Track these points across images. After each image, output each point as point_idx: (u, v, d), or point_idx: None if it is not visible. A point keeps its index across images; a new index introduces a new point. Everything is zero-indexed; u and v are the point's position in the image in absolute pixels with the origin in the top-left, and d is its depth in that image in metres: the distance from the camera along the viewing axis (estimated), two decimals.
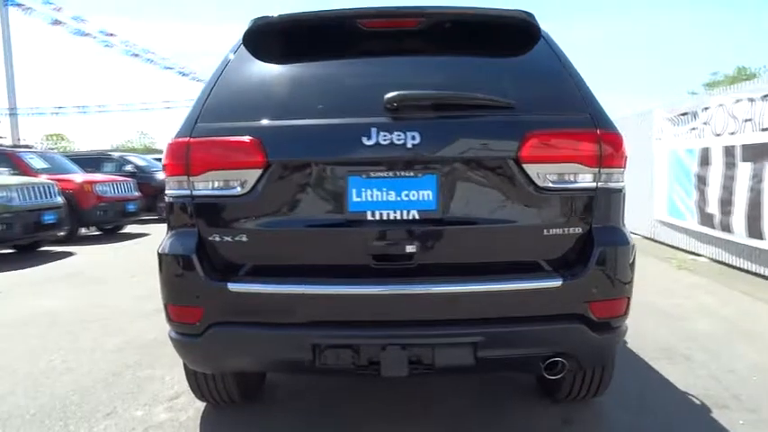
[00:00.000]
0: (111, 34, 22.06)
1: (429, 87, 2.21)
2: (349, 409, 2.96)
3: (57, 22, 18.57)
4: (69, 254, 8.87)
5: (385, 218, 2.07)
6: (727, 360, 3.57)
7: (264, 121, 2.16)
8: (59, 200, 9.09)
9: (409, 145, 2.04)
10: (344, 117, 2.13)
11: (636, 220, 9.22)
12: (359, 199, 2.08)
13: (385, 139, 2.04)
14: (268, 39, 2.42)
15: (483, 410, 2.90)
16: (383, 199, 2.07)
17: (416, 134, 2.05)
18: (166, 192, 2.23)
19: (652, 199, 8.39)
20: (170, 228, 2.25)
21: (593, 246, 2.11)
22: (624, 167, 2.24)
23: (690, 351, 3.75)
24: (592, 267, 2.09)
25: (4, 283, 6.60)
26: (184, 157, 2.15)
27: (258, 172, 2.10)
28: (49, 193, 8.93)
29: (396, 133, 2.05)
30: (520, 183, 2.09)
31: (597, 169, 2.12)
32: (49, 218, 8.71)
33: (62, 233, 9.42)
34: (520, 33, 2.40)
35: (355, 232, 2.10)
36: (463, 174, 2.11)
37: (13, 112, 17.74)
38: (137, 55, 23.30)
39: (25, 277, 7.00)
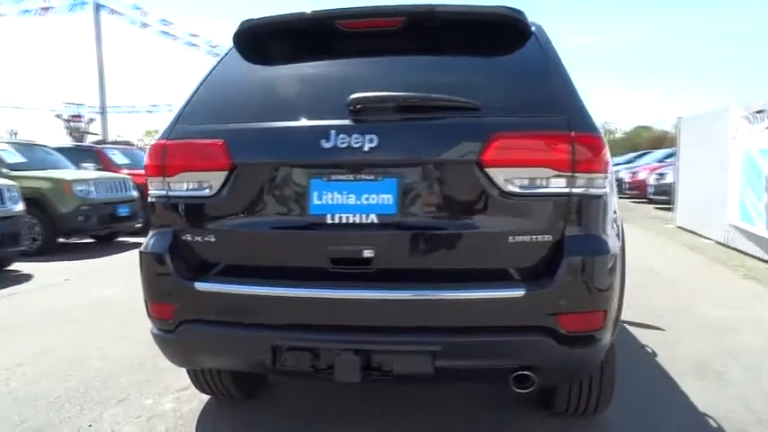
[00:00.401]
0: (195, 35, 23.17)
1: (400, 89, 2.16)
2: (350, 409, 2.98)
3: (144, 26, 19.78)
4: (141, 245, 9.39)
5: (345, 221, 2.05)
6: (766, 380, 3.28)
7: (232, 124, 2.20)
8: (134, 194, 9.63)
9: (366, 148, 2.01)
10: (308, 119, 2.13)
11: (709, 224, 8.65)
12: (320, 202, 2.08)
13: (343, 142, 2.02)
14: (253, 41, 2.47)
15: (479, 418, 2.82)
16: (343, 202, 2.06)
17: (374, 137, 2.02)
18: (149, 192, 2.32)
19: (726, 202, 7.82)
20: (151, 227, 2.34)
21: (562, 255, 2.00)
22: (606, 173, 2.11)
23: (726, 367, 3.47)
24: (559, 278, 1.98)
25: (74, 271, 7.11)
26: (161, 159, 2.23)
27: (224, 174, 2.15)
28: (125, 187, 9.51)
29: (354, 136, 2.02)
30: (483, 187, 2.01)
31: (570, 174, 2.00)
32: (123, 210, 9.29)
33: (138, 225, 10.01)
34: (503, 31, 2.31)
35: (316, 235, 2.09)
36: (425, 178, 2.05)
37: (103, 111, 19.11)
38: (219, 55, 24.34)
39: (94, 266, 7.51)
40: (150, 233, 2.33)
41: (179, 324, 2.22)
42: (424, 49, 2.37)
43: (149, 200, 2.33)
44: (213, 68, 2.48)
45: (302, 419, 2.89)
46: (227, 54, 2.53)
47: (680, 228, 10.17)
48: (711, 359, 3.60)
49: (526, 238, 2.01)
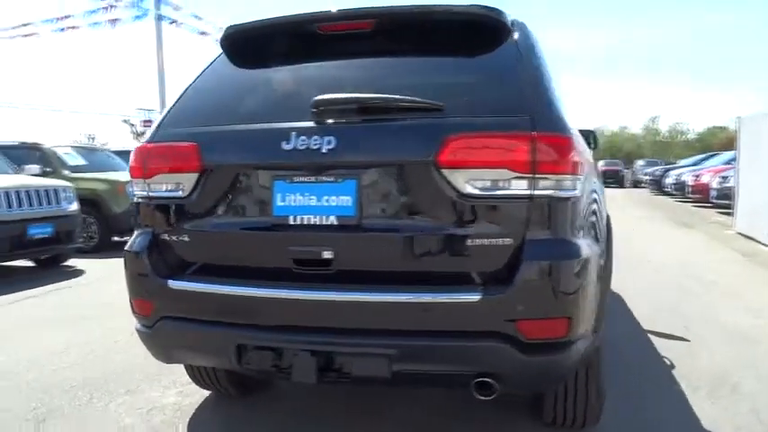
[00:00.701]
0: None
1: (368, 90, 2.16)
2: (353, 408, 3.00)
3: (203, 33, 20.53)
4: None
5: (306, 223, 2.08)
6: None
7: (205, 128, 2.28)
8: None
9: (324, 150, 2.03)
10: (273, 122, 2.17)
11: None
12: (283, 203, 2.11)
13: (302, 144, 2.05)
14: (236, 46, 2.54)
15: (468, 423, 2.79)
16: (305, 204, 2.09)
17: (332, 139, 2.04)
18: (135, 193, 2.43)
19: None
20: (135, 227, 2.45)
21: (522, 259, 1.95)
22: (576, 174, 2.04)
23: (743, 380, 3.28)
24: (517, 283, 1.93)
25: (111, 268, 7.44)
26: (142, 161, 2.33)
27: (196, 176, 2.22)
28: None
29: (313, 138, 2.05)
30: (441, 189, 1.98)
31: (531, 176, 1.95)
32: None
33: None
34: (477, 30, 2.28)
35: (280, 236, 2.13)
36: (384, 180, 2.05)
37: None
38: None
39: None
40: (135, 233, 2.44)
41: (157, 320, 2.31)
42: (398, 50, 2.37)
43: (134, 201, 2.43)
44: (201, 73, 2.57)
45: (298, 418, 2.94)
46: (215, 59, 2.61)
47: (739, 234, 9.63)
48: (730, 372, 3.41)
49: (485, 242, 1.97)
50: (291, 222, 2.10)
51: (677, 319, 4.53)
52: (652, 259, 7.40)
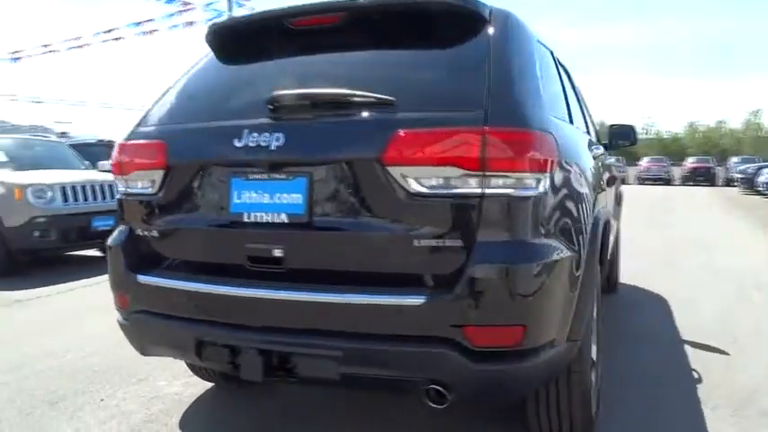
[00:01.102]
0: None
1: (328, 85, 2.12)
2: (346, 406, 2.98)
3: None
4: None
5: (259, 220, 2.07)
6: None
7: (173, 125, 2.31)
8: None
9: (273, 147, 2.01)
10: (232, 119, 2.17)
11: None
12: (239, 201, 2.11)
13: (253, 141, 2.04)
14: (217, 43, 2.56)
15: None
16: (259, 201, 2.07)
17: (282, 135, 2.01)
18: (117, 189, 2.50)
19: None
20: (117, 222, 2.52)
21: (470, 262, 1.84)
22: (538, 172, 1.91)
23: None
24: (464, 286, 1.83)
25: None
26: (120, 158, 2.40)
27: (162, 173, 2.26)
28: None
29: (264, 135, 2.03)
30: (388, 187, 1.91)
31: (481, 174, 1.84)
32: None
33: None
34: (450, 21, 2.18)
35: (236, 234, 2.13)
36: (333, 177, 2.00)
37: None
38: None
39: None
40: (117, 228, 2.52)
41: (132, 313, 2.37)
42: (368, 43, 2.30)
43: (117, 196, 2.51)
44: (186, 72, 2.61)
45: (293, 412, 2.95)
46: (202, 57, 2.65)
47: None
48: (765, 391, 3.09)
49: (434, 243, 1.88)
50: (246, 220, 2.09)
51: (727, 331, 4.17)
52: (718, 266, 6.88)
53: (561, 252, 2.00)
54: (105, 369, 3.59)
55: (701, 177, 32.15)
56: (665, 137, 69.68)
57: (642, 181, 33.47)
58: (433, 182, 1.87)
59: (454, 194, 1.86)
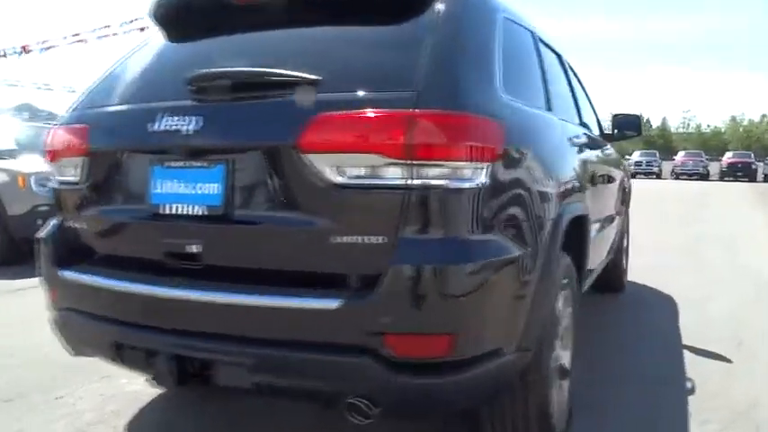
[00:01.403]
0: None
1: (253, 64, 1.94)
2: None
3: None
4: None
5: (178, 212, 1.91)
6: None
7: (98, 108, 2.16)
8: None
9: (189, 131, 1.84)
10: (151, 101, 2.01)
11: None
12: (159, 191, 1.95)
13: (169, 125, 1.87)
14: (160, 20, 2.40)
15: None
16: (177, 191, 1.91)
17: (198, 119, 1.84)
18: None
19: None
20: (53, 214, 2.39)
21: (391, 261, 1.64)
22: (476, 160, 1.70)
23: None
24: (382, 289, 1.63)
25: None
26: (51, 145, 2.27)
27: (85, 160, 2.11)
28: None
29: (179, 118, 1.86)
30: (307, 177, 1.72)
31: (407, 162, 1.63)
32: None
33: None
34: None
35: (155, 227, 1.97)
36: (252, 166, 1.82)
37: None
38: None
39: None
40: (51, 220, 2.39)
41: (59, 310, 2.24)
42: (303, 19, 2.10)
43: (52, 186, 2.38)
44: (131, 50, 2.46)
45: (247, 421, 2.80)
46: (146, 39, 2.50)
47: None
48: (763, 405, 2.81)
49: (355, 240, 1.68)
50: (166, 212, 1.93)
51: (735, 334, 3.87)
52: (740, 264, 6.51)
53: (505, 252, 1.79)
54: (74, 364, 3.47)
55: (741, 173, 31.01)
56: (705, 131, 67.70)
57: (677, 176, 32.49)
58: (356, 172, 1.68)
59: (378, 186, 1.67)
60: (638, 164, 34.31)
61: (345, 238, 1.69)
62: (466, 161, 1.68)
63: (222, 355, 1.82)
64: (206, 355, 1.84)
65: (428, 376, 1.69)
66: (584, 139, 3.15)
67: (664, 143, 67.14)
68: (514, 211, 1.88)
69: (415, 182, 1.64)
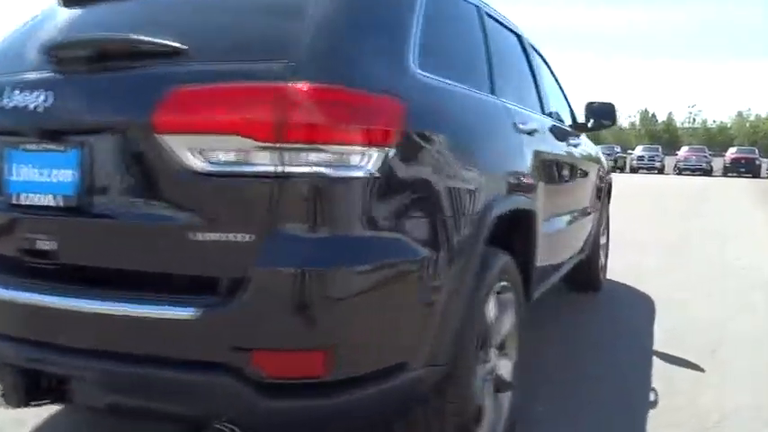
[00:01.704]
0: None
1: (122, 30, 1.68)
2: None
3: None
4: None
5: (34, 203, 1.65)
6: None
7: None
8: None
9: (39, 108, 1.58)
10: (8, 74, 1.75)
11: None
12: (17, 178, 1.70)
13: (19, 101, 1.62)
14: None
15: None
16: (33, 179, 1.66)
17: (50, 94, 1.58)
18: None
19: None
20: None
21: (256, 263, 1.38)
22: (366, 144, 1.46)
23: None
24: (246, 296, 1.38)
25: None
26: None
27: None
28: None
29: (30, 93, 1.61)
30: (165, 162, 1.47)
31: (278, 145, 1.38)
32: None
33: None
34: None
35: (14, 219, 1.72)
36: (108, 149, 1.57)
37: None
38: None
39: None
40: None
41: None
42: None
43: None
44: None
45: None
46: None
47: None
48: (729, 417, 2.55)
49: (217, 237, 1.43)
50: (22, 202, 1.68)
51: (709, 342, 3.60)
52: (729, 262, 6.24)
53: (402, 253, 1.54)
54: None
55: (744, 169, 30.56)
56: (711, 126, 67.16)
57: (680, 171, 32.09)
58: (219, 157, 1.43)
59: (244, 173, 1.42)
60: (640, 158, 33.94)
61: (208, 236, 1.43)
62: (350, 145, 1.43)
63: (66, 370, 1.57)
64: (53, 370, 1.59)
65: (306, 398, 1.44)
66: (541, 128, 2.88)
67: (669, 138, 66.61)
68: (420, 205, 1.62)
69: (288, 169, 1.38)
